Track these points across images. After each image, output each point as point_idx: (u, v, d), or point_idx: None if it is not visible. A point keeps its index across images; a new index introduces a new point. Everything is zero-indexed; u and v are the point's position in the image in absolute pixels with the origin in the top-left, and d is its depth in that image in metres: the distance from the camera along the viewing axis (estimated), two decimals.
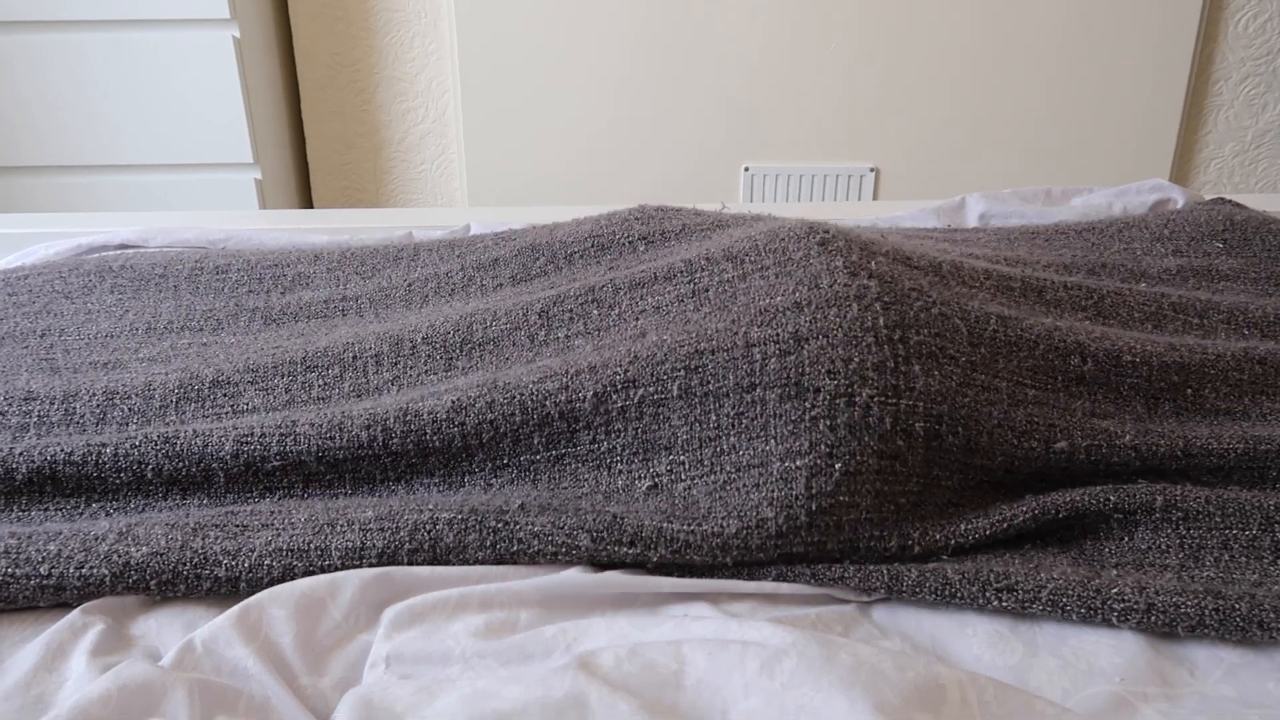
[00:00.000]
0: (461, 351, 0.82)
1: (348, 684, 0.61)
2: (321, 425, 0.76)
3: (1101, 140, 2.02)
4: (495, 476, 0.75)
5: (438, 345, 0.83)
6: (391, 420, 0.75)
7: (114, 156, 1.87)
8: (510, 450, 0.75)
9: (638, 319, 0.80)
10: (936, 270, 0.84)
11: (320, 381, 0.83)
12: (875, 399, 0.70)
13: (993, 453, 0.72)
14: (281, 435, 0.75)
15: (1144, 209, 1.20)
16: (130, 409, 0.82)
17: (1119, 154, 2.02)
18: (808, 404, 0.70)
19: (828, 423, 0.70)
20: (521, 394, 0.75)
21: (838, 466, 0.69)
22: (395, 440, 0.75)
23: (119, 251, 1.16)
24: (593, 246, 0.94)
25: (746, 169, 2.05)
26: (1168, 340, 0.84)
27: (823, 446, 0.69)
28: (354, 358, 0.84)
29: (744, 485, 0.70)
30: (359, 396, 0.82)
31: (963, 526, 0.70)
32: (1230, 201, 1.17)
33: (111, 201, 1.91)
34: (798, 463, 0.69)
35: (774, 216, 0.95)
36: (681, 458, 0.72)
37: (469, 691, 0.54)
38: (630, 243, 0.92)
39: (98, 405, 0.82)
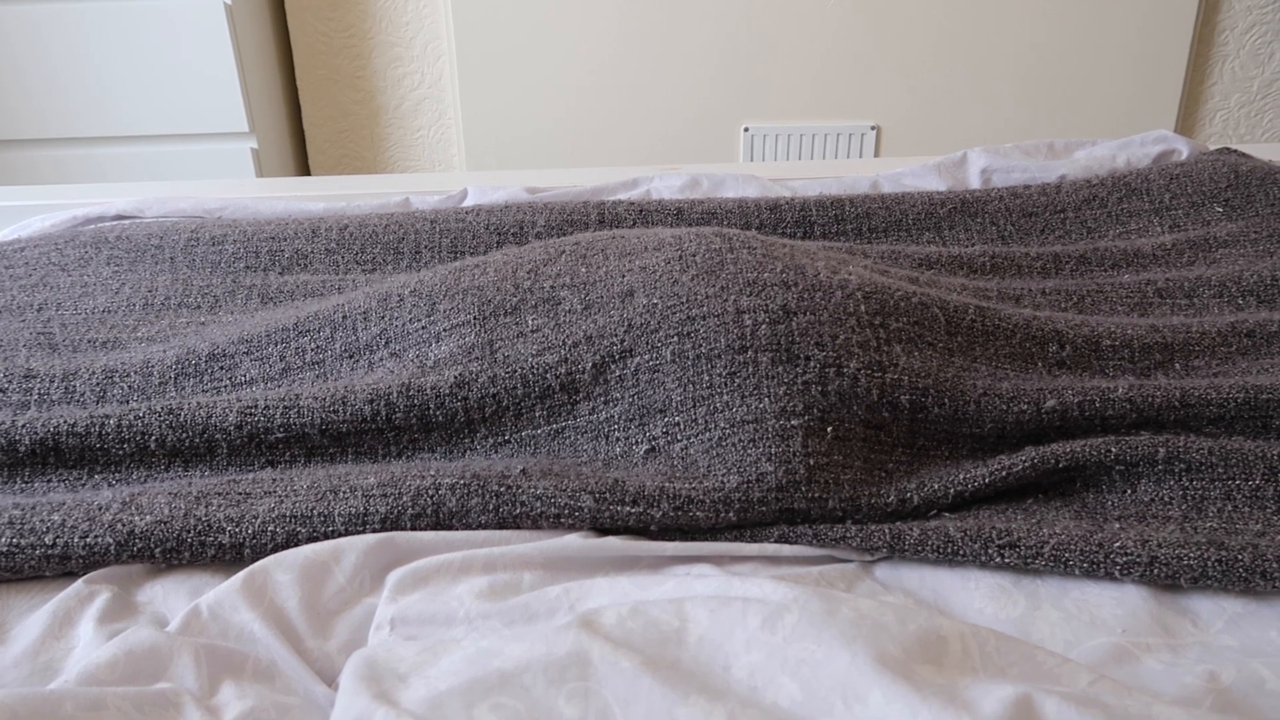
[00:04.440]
0: (445, 296, 0.82)
1: (353, 646, 0.62)
2: (325, 398, 0.76)
3: (1105, 94, 1.99)
4: (495, 452, 0.75)
5: (423, 296, 0.83)
6: (395, 395, 0.75)
7: (108, 128, 1.86)
8: (512, 425, 0.75)
9: (624, 276, 0.80)
10: (913, 283, 0.86)
11: (312, 345, 0.83)
12: (862, 371, 0.72)
13: (981, 420, 0.73)
14: (285, 408, 0.76)
15: (1148, 161, 1.19)
16: (130, 386, 0.82)
17: (1123, 107, 2.00)
18: (799, 369, 0.72)
19: (819, 388, 0.71)
20: (523, 367, 0.76)
21: (829, 430, 0.70)
22: (399, 415, 0.75)
23: (115, 222, 1.15)
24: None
25: (746, 129, 2.03)
26: (1150, 323, 0.85)
27: (815, 410, 0.71)
28: (344, 317, 0.84)
29: (740, 440, 0.70)
30: (350, 355, 0.82)
31: (961, 476, 0.70)
32: (1235, 151, 1.16)
33: (107, 173, 1.89)
34: (793, 422, 0.70)
35: None
36: (676, 419, 0.73)
37: (472, 651, 0.54)
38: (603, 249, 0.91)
39: (97, 383, 0.82)
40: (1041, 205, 1.10)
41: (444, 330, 0.80)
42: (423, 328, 0.81)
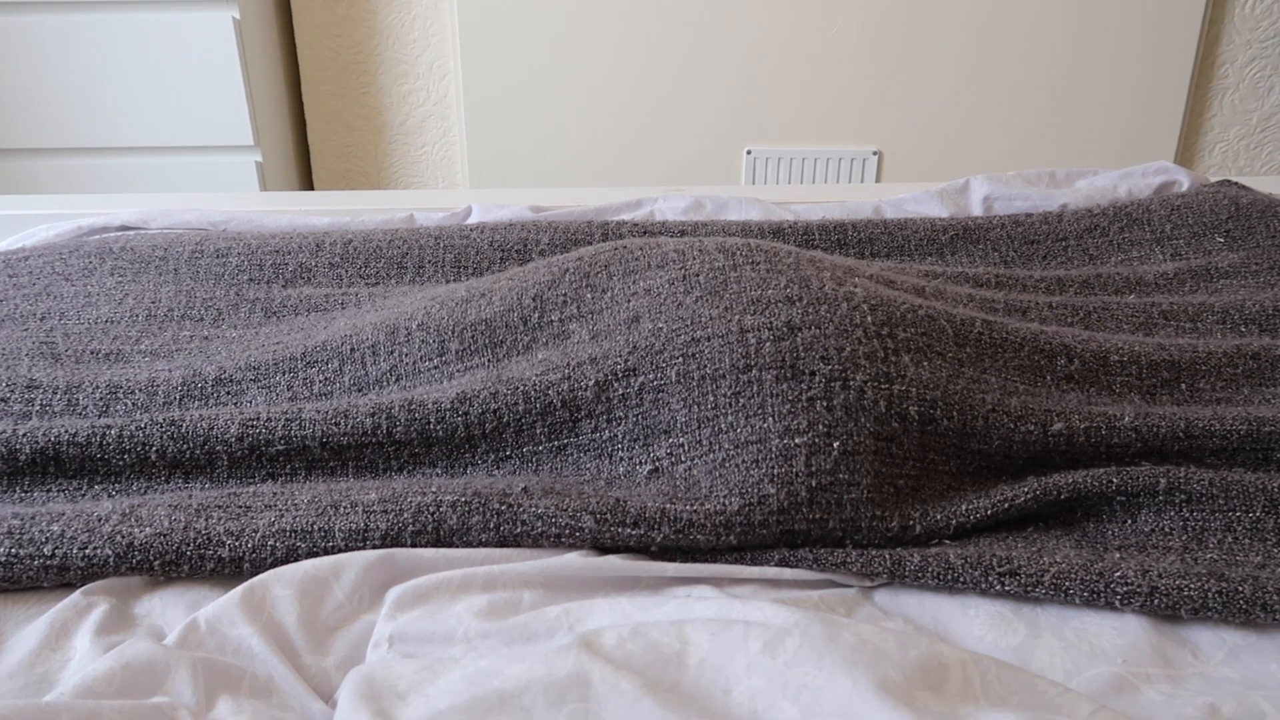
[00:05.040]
0: (454, 334, 0.82)
1: (351, 663, 0.61)
2: (327, 412, 0.76)
3: (1106, 125, 2.01)
4: (497, 468, 0.75)
5: (431, 331, 0.83)
6: (396, 409, 0.75)
7: (115, 139, 1.87)
8: (513, 441, 0.75)
9: (629, 301, 0.80)
10: (919, 292, 0.86)
11: (321, 377, 0.83)
12: (869, 383, 0.71)
13: (989, 437, 0.73)
14: (287, 420, 0.76)
15: (1149, 191, 1.20)
16: (134, 404, 0.82)
17: (1123, 139, 2.01)
18: (804, 385, 0.71)
19: (824, 404, 0.71)
20: (525, 384, 0.76)
21: (836, 445, 0.70)
22: (399, 429, 0.75)
23: (119, 233, 1.15)
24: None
25: (749, 152, 2.04)
26: (1157, 341, 0.85)
27: (820, 426, 0.70)
28: (352, 350, 0.84)
29: (743, 462, 0.70)
30: (359, 390, 0.83)
31: (964, 507, 0.70)
32: (1236, 184, 1.17)
33: (112, 184, 1.90)
34: (797, 440, 0.70)
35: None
36: (681, 440, 0.73)
37: (471, 670, 0.54)
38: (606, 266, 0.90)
39: (100, 398, 0.82)
40: (1043, 233, 1.11)
41: (457, 372, 0.81)
42: (435, 368, 0.81)
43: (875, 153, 2.04)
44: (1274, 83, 2.02)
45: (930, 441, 0.73)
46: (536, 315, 0.82)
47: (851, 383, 0.71)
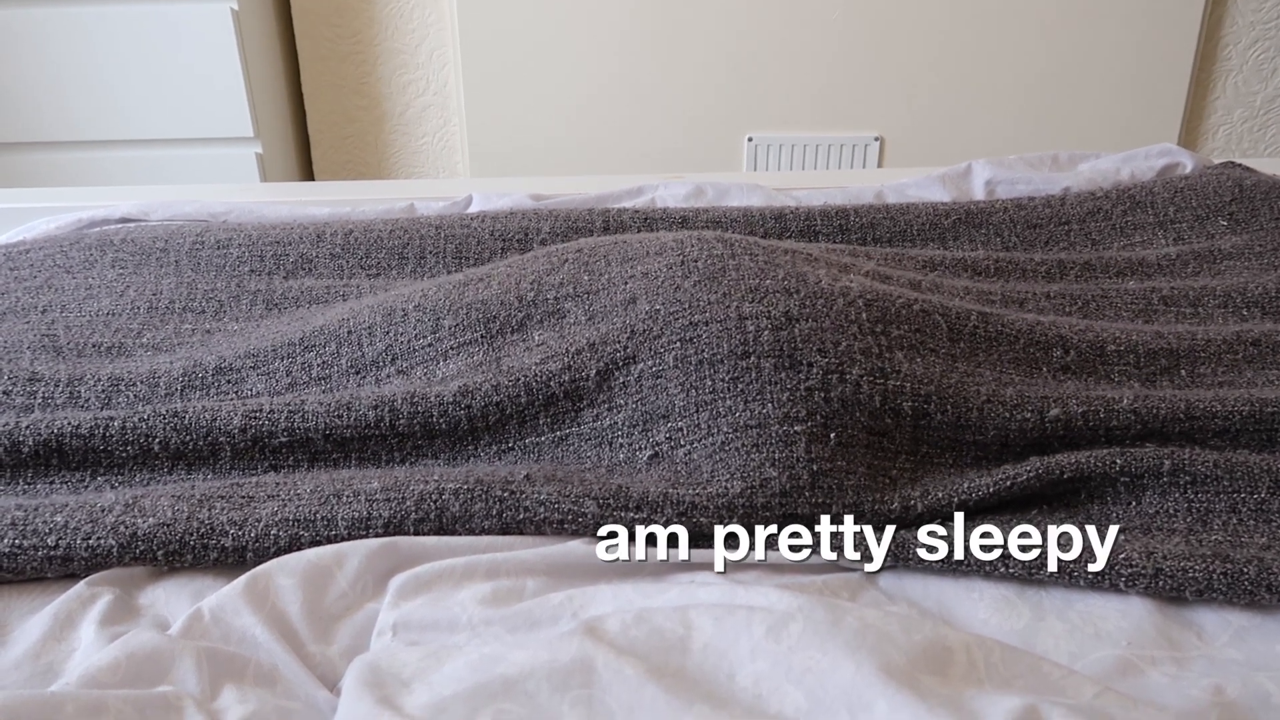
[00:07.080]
0: (449, 312, 0.82)
1: (355, 651, 0.61)
2: (330, 404, 0.76)
3: (1109, 107, 2.00)
4: (499, 459, 0.75)
5: (427, 310, 0.83)
6: (399, 402, 0.75)
7: (114, 131, 1.86)
8: (516, 433, 0.76)
9: (627, 284, 0.80)
10: (915, 286, 0.86)
11: (319, 360, 0.83)
12: (864, 378, 0.72)
13: (984, 427, 0.73)
14: (290, 412, 0.76)
15: (1152, 174, 1.19)
16: (135, 395, 0.82)
17: (1126, 121, 2.00)
18: (802, 375, 0.72)
19: (822, 395, 0.71)
20: (526, 375, 0.76)
21: (833, 436, 0.71)
22: (402, 421, 0.75)
23: (120, 225, 1.15)
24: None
25: (750, 139, 2.03)
26: (1154, 329, 0.84)
27: (819, 416, 0.71)
28: (349, 332, 0.84)
29: (743, 445, 0.70)
30: (357, 371, 0.82)
31: (965, 485, 0.70)
32: (1240, 165, 1.16)
33: (113, 176, 1.90)
34: (796, 428, 0.70)
35: None
36: (680, 424, 0.73)
37: (476, 657, 0.54)
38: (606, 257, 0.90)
39: (103, 390, 0.82)
40: (1046, 217, 1.10)
41: (451, 348, 0.80)
42: (429, 344, 0.81)
43: (877, 138, 2.03)
44: (1278, 64, 2.00)
45: (923, 435, 0.73)
46: (532, 294, 0.82)
47: (848, 376, 0.72)
